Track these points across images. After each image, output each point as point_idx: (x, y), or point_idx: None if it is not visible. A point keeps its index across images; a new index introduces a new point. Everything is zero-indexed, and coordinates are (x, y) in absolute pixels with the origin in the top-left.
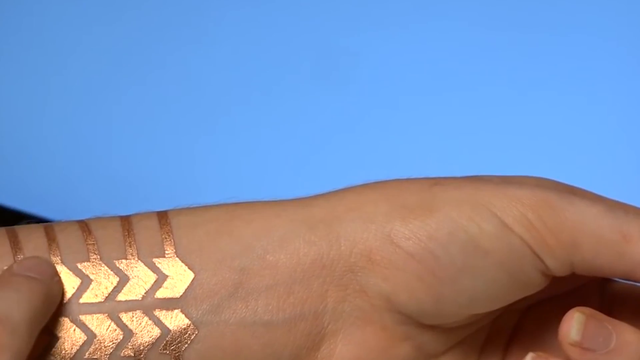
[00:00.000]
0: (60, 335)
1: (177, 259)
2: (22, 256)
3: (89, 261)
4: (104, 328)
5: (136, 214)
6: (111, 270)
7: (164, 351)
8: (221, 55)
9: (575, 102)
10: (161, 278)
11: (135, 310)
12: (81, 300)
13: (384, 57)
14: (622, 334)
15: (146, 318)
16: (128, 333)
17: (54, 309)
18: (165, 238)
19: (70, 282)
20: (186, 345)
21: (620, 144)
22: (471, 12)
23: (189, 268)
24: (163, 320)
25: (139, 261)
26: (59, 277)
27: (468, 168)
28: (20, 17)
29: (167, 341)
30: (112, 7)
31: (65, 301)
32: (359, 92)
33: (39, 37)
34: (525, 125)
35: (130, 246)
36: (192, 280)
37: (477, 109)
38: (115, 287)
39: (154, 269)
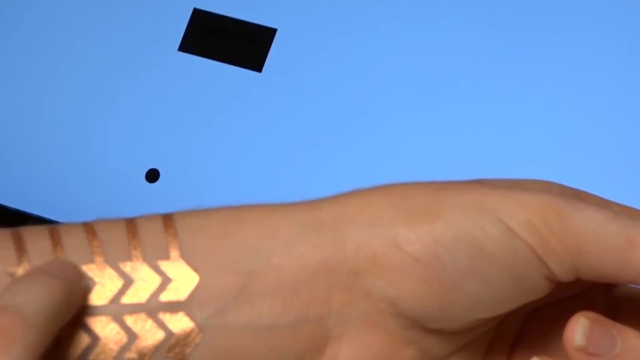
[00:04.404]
0: (63, 337)
1: (182, 261)
2: (26, 258)
3: (94, 263)
4: (108, 331)
5: (141, 217)
6: (116, 273)
7: (168, 354)
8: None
9: (578, 102)
10: (166, 281)
11: (140, 313)
12: (85, 303)
13: (385, 56)
14: (627, 338)
15: (150, 321)
16: (132, 336)
17: (75, 309)
18: (170, 241)
19: None
20: (190, 349)
21: (623, 144)
22: (472, 11)
23: (193, 271)
24: (167, 324)
25: (144, 264)
26: (85, 281)
27: (473, 171)
28: (21, 18)
29: (171, 344)
30: (110, 6)
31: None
32: (362, 92)
33: (44, 38)
34: (530, 126)
35: (135, 249)
36: (197, 283)
37: (480, 109)
38: (120, 290)
39: (159, 271)
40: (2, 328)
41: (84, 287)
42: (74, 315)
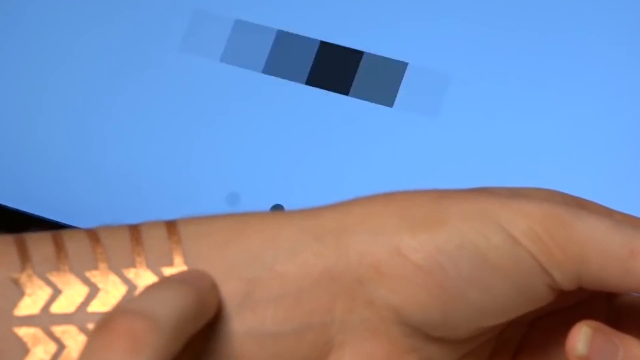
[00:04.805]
0: (67, 344)
1: (185, 268)
2: (29, 264)
3: (97, 270)
4: None
5: (145, 223)
6: (119, 279)
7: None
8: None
9: (580, 103)
10: None
11: None
12: (89, 309)
13: (385, 54)
14: (629, 347)
15: None
16: None
17: (206, 319)
18: (174, 247)
19: (78, 291)
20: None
21: (626, 146)
22: (471, 10)
23: None
24: None
25: (148, 270)
26: (217, 292)
27: (475, 174)
28: (22, 17)
29: None
30: (109, 5)
31: (73, 310)
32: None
33: (45, 37)
34: (531, 127)
35: (138, 255)
36: None
37: (481, 109)
38: (123, 296)
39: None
40: (133, 332)
41: (216, 297)
42: (77, 321)
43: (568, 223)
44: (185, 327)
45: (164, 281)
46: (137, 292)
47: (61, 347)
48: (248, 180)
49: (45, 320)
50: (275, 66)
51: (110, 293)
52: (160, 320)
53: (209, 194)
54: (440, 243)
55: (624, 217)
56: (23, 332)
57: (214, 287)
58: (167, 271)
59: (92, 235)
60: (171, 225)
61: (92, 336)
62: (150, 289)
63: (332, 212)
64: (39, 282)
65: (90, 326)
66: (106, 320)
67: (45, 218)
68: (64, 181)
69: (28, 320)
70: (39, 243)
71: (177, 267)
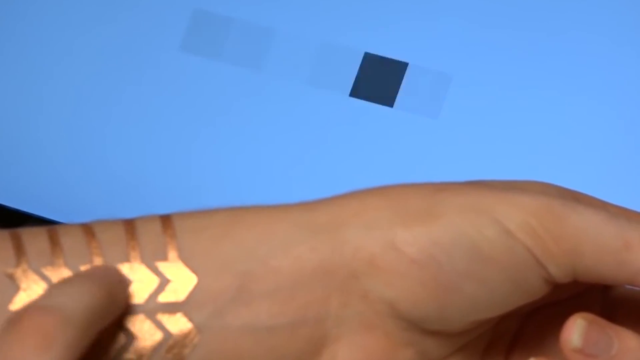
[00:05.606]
0: None
1: (180, 262)
2: (25, 259)
3: (92, 264)
4: (106, 332)
5: (139, 217)
6: None
7: (167, 355)
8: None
9: (579, 102)
10: (164, 282)
11: (138, 314)
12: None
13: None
14: (624, 340)
15: (149, 322)
16: (130, 337)
17: (117, 312)
18: (169, 242)
19: None
20: (188, 350)
21: (624, 144)
22: (470, 9)
23: (191, 272)
24: (165, 324)
25: (142, 265)
26: (127, 285)
27: (474, 170)
28: (23, 16)
29: (169, 345)
30: (111, 5)
31: None
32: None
33: (45, 36)
34: (530, 126)
35: (133, 249)
36: (195, 284)
37: (480, 109)
38: None
39: (157, 272)
40: (42, 327)
41: (125, 291)
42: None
43: (563, 216)
44: (95, 320)
45: (73, 277)
46: (132, 286)
47: None
48: (246, 179)
49: None
50: (271, 66)
51: None
52: (70, 315)
53: (210, 198)
54: (435, 236)
55: (619, 209)
56: None
57: (122, 281)
58: (162, 265)
59: (87, 230)
60: (166, 220)
61: (3, 333)
62: (58, 284)
63: (327, 206)
64: (34, 276)
65: None
66: (17, 317)
67: (43, 217)
68: (62, 180)
69: None
70: (34, 238)
71: (172, 261)
